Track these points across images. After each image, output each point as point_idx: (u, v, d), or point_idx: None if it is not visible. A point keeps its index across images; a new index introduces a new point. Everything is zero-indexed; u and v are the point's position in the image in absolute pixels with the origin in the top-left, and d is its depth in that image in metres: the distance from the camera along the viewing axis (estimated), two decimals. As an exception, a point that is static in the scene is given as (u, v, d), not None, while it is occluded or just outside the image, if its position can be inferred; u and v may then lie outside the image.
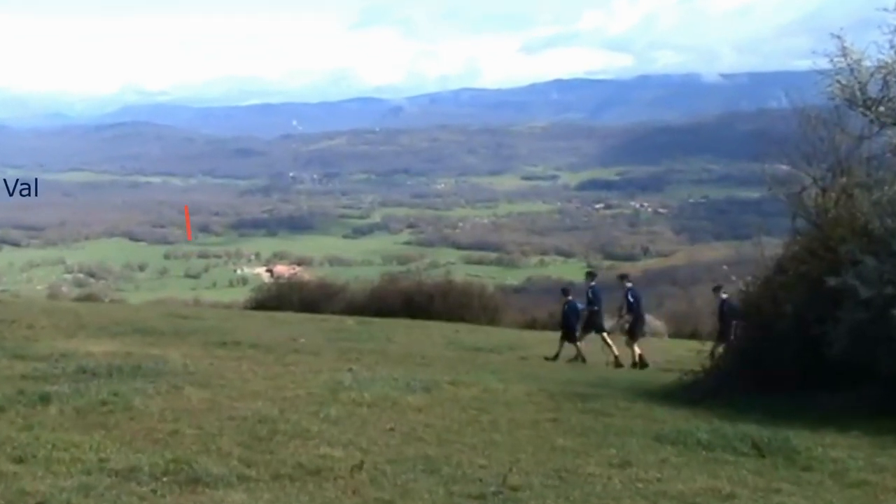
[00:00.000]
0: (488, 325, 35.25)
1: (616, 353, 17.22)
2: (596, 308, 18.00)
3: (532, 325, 36.13)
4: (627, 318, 17.71)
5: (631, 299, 17.75)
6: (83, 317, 18.52)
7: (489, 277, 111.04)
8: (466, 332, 25.28)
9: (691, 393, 10.55)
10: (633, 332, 17.71)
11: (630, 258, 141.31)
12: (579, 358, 17.54)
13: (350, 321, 27.90)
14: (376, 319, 30.51)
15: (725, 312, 16.13)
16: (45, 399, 7.97)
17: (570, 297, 18.76)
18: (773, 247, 11.70)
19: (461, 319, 32.82)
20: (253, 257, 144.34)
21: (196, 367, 10.59)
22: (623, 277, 18.51)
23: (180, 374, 9.89)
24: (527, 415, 8.98)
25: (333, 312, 35.07)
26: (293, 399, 8.89)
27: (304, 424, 7.63)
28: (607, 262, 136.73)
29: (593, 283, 18.57)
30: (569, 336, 18.05)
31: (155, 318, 22.53)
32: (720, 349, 12.80)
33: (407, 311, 33.92)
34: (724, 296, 16.49)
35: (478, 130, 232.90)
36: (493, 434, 7.89)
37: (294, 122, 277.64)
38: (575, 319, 18.19)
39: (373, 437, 7.38)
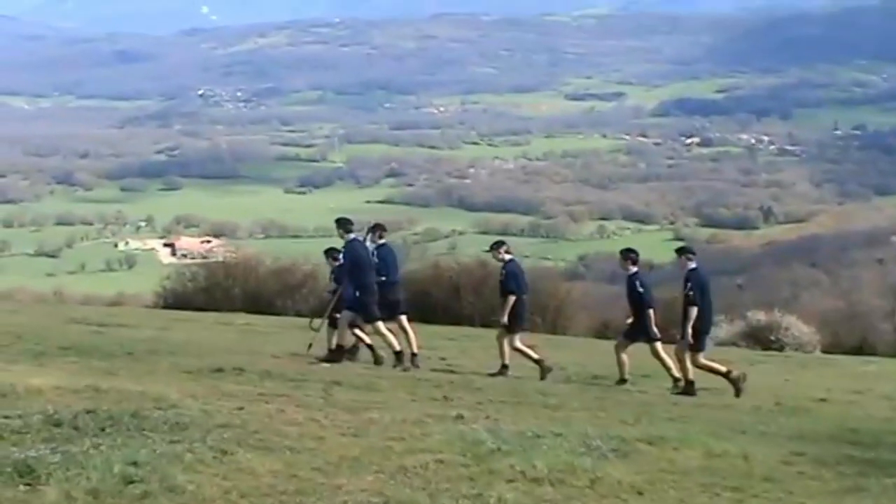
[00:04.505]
0: (550, 333, 35.04)
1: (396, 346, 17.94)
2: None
3: (604, 332, 35.97)
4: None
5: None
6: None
7: (520, 256, 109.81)
8: (542, 347, 25.02)
9: None
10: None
11: (743, 224, 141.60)
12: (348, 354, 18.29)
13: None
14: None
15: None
16: (29, 474, 7.53)
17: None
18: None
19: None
20: (143, 224, 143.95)
21: (222, 414, 10.27)
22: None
23: (211, 427, 9.52)
24: (820, 499, 8.70)
25: (299, 314, 35.08)
26: (419, 472, 8.50)
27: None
28: (706, 231, 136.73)
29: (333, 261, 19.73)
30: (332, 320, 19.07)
31: (59, 327, 22.36)
32: None
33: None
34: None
35: (497, 22, 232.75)
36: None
37: (204, 10, 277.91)
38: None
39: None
